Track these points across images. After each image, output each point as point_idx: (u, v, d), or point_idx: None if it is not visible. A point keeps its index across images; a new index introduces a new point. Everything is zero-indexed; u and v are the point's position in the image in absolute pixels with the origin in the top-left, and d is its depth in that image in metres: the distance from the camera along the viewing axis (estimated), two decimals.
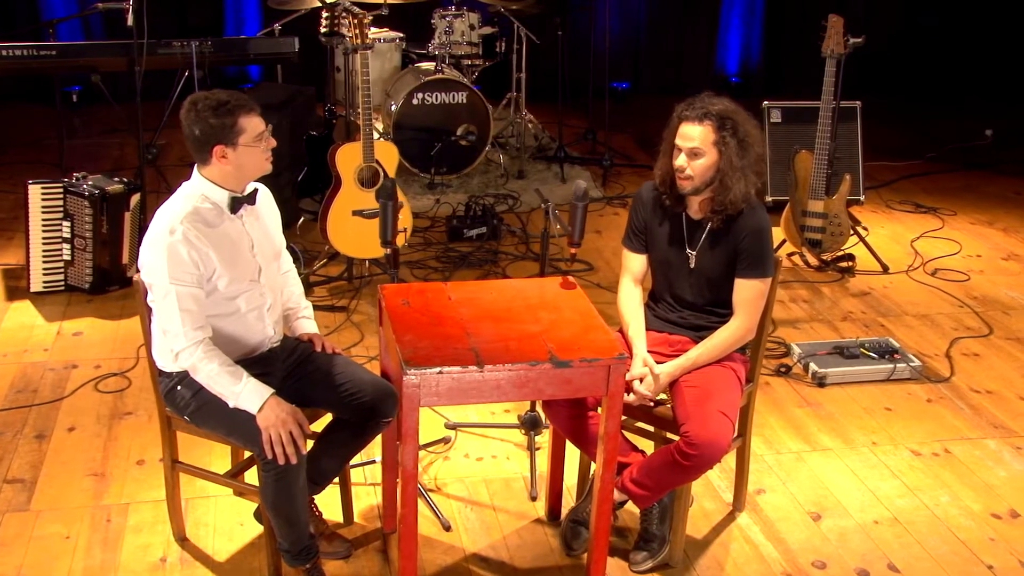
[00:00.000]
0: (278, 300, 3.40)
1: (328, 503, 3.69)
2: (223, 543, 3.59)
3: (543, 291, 3.41)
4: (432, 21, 7.29)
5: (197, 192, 3.18)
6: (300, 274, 5.32)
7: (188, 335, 3.07)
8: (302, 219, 5.98)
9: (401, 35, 7.56)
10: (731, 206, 3.39)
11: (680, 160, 3.39)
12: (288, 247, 5.65)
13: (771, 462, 4.15)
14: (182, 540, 3.59)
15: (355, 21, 5.00)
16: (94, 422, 4.25)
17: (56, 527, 3.63)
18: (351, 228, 5.18)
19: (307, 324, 3.55)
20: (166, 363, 3.21)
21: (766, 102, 6.75)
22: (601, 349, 3.04)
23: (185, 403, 3.22)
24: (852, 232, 6.00)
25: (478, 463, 4.09)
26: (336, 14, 5.71)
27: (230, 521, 3.68)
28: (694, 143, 3.35)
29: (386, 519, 3.67)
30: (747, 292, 3.45)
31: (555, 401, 3.43)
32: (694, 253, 3.51)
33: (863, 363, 4.81)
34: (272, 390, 3.09)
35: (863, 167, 6.81)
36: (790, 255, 6.12)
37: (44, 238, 5.26)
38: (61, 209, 5.23)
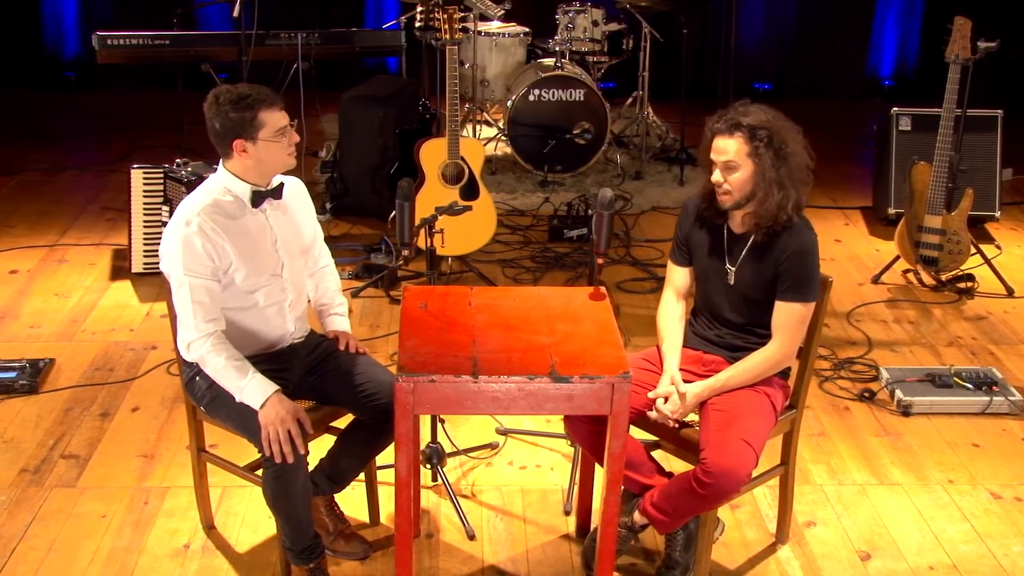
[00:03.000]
0: (302, 296, 3.39)
1: (356, 503, 3.68)
2: (247, 535, 3.61)
3: (569, 301, 3.29)
4: (556, 16, 7.21)
5: (220, 185, 3.20)
6: (388, 267, 5.39)
7: (199, 327, 3.10)
8: (393, 213, 5.98)
9: (527, 30, 7.49)
10: (771, 219, 3.19)
11: (716, 175, 3.22)
12: (381, 239, 5.75)
13: (830, 493, 3.90)
14: (209, 528, 3.63)
15: (445, 16, 4.96)
16: (157, 404, 4.37)
17: (96, 505, 3.74)
18: None
19: (338, 321, 3.53)
20: (185, 353, 3.25)
21: (895, 108, 6.38)
22: (606, 366, 2.90)
23: (201, 394, 3.25)
24: (975, 251, 5.59)
25: (520, 472, 4.00)
26: (429, 8, 5.69)
27: (259, 513, 3.71)
28: (727, 156, 3.17)
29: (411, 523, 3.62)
30: (786, 315, 3.24)
31: (575, 416, 3.31)
32: (733, 269, 3.32)
33: (956, 393, 4.47)
34: (276, 387, 3.08)
35: (1004, 181, 6.35)
36: (905, 272, 5.77)
37: (145, 221, 5.44)
38: (161, 194, 5.40)
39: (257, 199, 3.21)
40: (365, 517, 3.68)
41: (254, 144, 3.13)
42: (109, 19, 8.70)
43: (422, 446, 3.90)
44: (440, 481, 3.83)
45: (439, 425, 3.89)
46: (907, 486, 3.95)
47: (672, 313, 3.46)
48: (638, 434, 3.50)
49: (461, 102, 7.57)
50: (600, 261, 3.38)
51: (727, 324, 3.38)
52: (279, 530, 3.24)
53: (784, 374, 3.37)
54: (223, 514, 3.71)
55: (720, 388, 3.25)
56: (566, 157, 6.98)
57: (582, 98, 6.89)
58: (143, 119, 8.24)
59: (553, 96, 6.89)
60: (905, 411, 4.41)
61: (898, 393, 4.46)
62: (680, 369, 3.34)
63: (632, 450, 3.33)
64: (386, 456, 3.68)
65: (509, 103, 6.94)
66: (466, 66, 7.33)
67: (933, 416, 4.40)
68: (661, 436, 3.41)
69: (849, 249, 6.18)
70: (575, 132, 6.92)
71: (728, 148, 3.16)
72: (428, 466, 3.85)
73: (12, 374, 4.44)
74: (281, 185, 3.29)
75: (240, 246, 3.16)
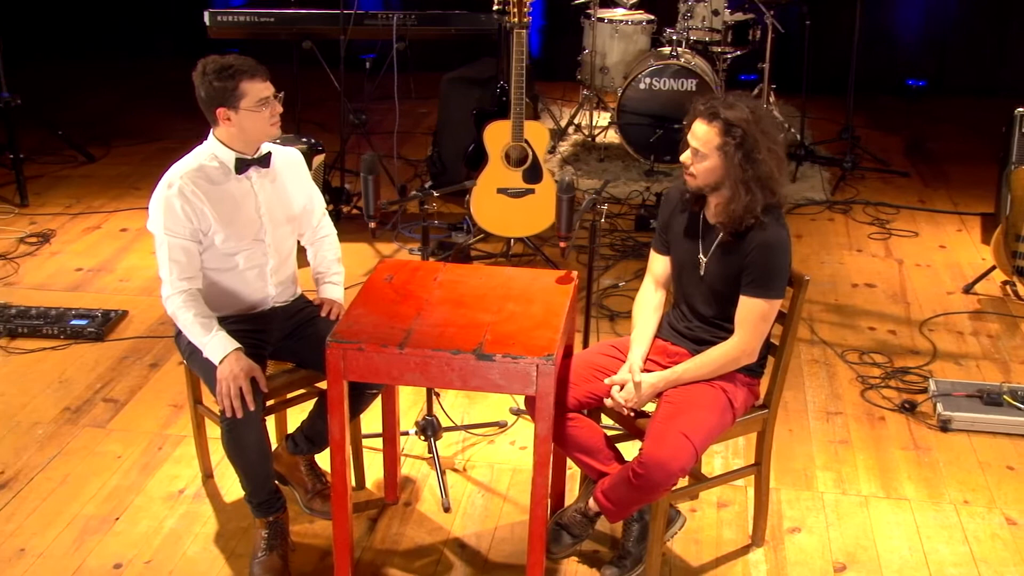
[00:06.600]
0: (287, 262, 3.53)
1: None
2: (240, 487, 3.79)
3: (534, 282, 3.31)
4: (678, 5, 7.12)
5: (208, 151, 3.38)
6: (461, 244, 5.50)
7: (174, 284, 3.29)
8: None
9: (651, 18, 7.42)
10: (737, 221, 3.12)
11: (685, 156, 3.18)
12: (463, 218, 5.85)
13: (828, 501, 3.75)
14: (207, 477, 3.85)
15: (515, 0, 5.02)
16: None
17: (116, 446, 4.02)
18: (495, 205, 5.23)
19: (330, 289, 3.65)
20: (165, 307, 3.44)
21: (1019, 109, 5.98)
22: (534, 348, 2.91)
23: (184, 348, 3.45)
24: None
25: (519, 452, 4.03)
26: None
27: None
28: (698, 143, 3.12)
29: (387, 490, 3.73)
30: (747, 310, 3.15)
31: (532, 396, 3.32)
32: (705, 259, 3.25)
33: (1003, 412, 4.19)
34: (237, 346, 3.23)
35: None
36: (1003, 284, 5.42)
37: None
38: None
39: (241, 166, 3.37)
40: (351, 480, 3.80)
41: (236, 113, 3.29)
42: None
43: (418, 418, 4.01)
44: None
45: (435, 399, 3.98)
46: (915, 502, 3.76)
47: (648, 302, 3.42)
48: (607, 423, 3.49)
49: (580, 88, 7.64)
50: (563, 244, 3.38)
51: (699, 317, 3.31)
52: (240, 481, 3.40)
53: (752, 372, 3.27)
54: (225, 465, 3.90)
55: (676, 380, 3.20)
56: (674, 147, 6.83)
57: (694, 88, 6.78)
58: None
59: (665, 85, 6.82)
60: (944, 426, 4.18)
61: (939, 407, 4.23)
62: (647, 359, 3.30)
63: (590, 436, 3.31)
64: (372, 423, 3.82)
65: (620, 91, 6.91)
66: (587, 52, 7.35)
67: (974, 434, 4.15)
68: (619, 424, 3.38)
69: (952, 256, 5.85)
70: (684, 123, 6.79)
71: (701, 134, 3.12)
72: (423, 438, 3.94)
73: (84, 322, 4.81)
74: (269, 154, 3.43)
75: (220, 210, 3.33)
